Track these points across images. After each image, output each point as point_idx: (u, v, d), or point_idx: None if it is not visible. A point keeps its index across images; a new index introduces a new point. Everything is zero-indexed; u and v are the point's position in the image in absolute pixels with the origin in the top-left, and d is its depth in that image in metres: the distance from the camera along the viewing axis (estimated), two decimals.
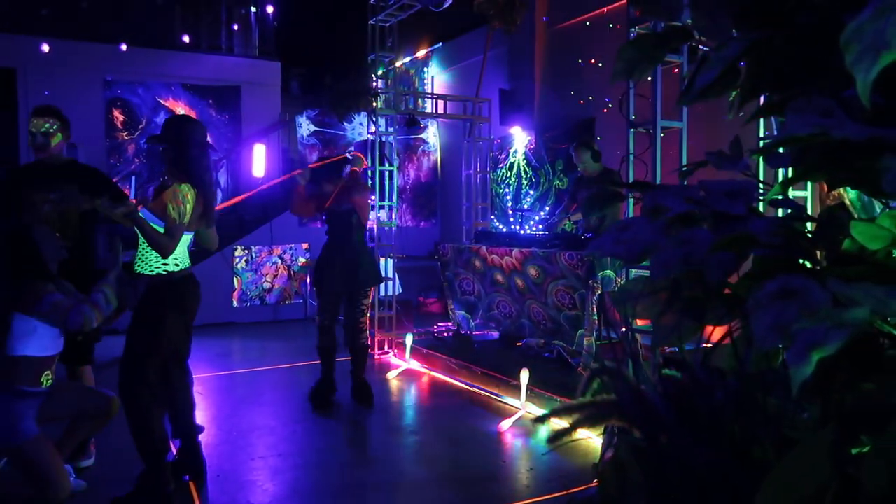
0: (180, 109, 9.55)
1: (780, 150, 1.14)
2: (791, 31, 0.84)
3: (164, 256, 3.07)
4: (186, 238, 3.23)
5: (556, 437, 1.12)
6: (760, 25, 0.90)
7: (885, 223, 0.76)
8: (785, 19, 0.86)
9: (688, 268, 1.00)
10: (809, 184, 4.06)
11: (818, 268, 0.90)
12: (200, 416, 4.23)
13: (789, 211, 1.13)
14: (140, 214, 2.99)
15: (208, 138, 3.35)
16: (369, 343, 4.93)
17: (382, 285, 6.57)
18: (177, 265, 3.17)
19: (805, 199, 4.05)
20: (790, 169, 0.99)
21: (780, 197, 1.08)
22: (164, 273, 3.14)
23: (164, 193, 3.09)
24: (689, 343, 1.05)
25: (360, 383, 4.85)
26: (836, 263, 0.88)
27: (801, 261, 0.96)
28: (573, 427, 1.08)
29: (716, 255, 0.97)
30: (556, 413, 1.15)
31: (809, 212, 3.54)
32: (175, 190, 3.08)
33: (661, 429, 0.84)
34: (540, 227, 7.38)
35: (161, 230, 3.04)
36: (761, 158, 1.97)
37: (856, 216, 1.24)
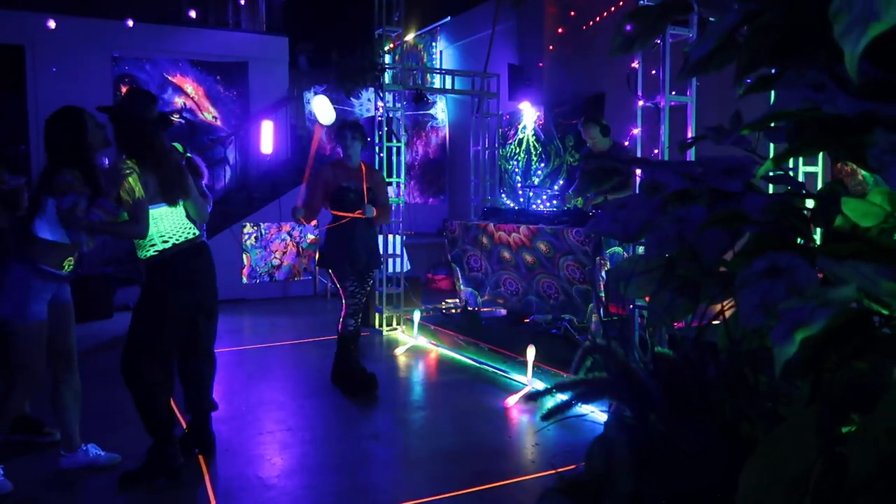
0: (188, 85, 9.54)
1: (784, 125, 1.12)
2: (786, 2, 0.82)
3: (142, 238, 3.06)
4: (168, 211, 3.14)
5: (551, 413, 1.13)
6: None
7: (876, 200, 0.75)
8: None
9: (682, 246, 0.99)
10: (821, 159, 4.00)
11: (812, 245, 0.88)
12: None
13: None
14: (97, 222, 2.98)
15: (155, 110, 3.15)
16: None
17: (391, 262, 6.59)
18: (165, 242, 3.13)
19: (815, 174, 3.99)
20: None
21: (778, 173, 1.07)
22: (155, 254, 3.12)
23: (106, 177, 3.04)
24: (691, 322, 1.05)
25: (364, 372, 4.62)
26: (830, 241, 0.87)
27: (797, 238, 0.95)
28: (567, 404, 1.09)
29: (709, 233, 0.95)
30: (550, 390, 1.16)
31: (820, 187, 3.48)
32: (115, 169, 3.01)
33: (650, 406, 0.84)
34: (550, 203, 7.34)
35: (125, 217, 3.01)
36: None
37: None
